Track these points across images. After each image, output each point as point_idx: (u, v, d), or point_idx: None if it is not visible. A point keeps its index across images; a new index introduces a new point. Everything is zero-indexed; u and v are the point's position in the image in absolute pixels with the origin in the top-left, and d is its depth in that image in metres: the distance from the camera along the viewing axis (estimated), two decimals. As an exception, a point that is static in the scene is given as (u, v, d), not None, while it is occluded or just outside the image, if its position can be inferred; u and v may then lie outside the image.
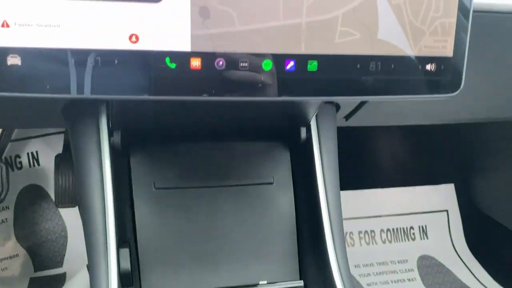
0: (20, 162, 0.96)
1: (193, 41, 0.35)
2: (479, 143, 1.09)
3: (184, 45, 0.35)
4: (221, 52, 0.36)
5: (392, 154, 1.19)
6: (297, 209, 0.57)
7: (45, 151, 0.97)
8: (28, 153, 0.97)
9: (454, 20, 0.39)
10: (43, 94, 0.33)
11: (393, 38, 0.39)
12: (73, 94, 0.34)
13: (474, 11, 0.40)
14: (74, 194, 0.70)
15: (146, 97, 0.36)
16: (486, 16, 0.49)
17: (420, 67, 0.40)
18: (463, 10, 0.39)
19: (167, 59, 0.35)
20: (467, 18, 0.40)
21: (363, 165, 1.14)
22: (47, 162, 0.97)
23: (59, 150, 0.95)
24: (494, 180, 1.08)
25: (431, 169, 1.17)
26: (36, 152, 0.97)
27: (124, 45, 0.34)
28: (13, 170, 0.95)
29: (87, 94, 0.34)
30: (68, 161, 0.68)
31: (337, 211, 0.53)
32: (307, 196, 0.56)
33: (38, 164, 0.98)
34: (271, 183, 0.57)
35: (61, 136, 0.96)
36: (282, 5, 0.36)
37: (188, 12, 0.35)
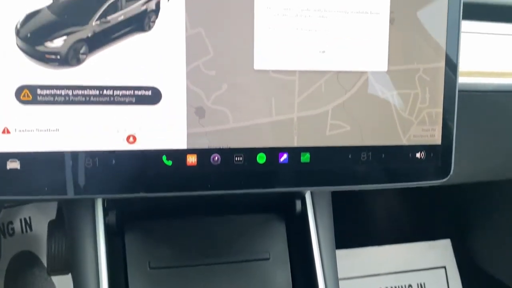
0: (13, 229, 0.95)
1: (189, 139, 0.36)
2: (476, 199, 1.10)
3: (180, 143, 0.36)
4: (216, 148, 0.37)
5: (387, 210, 1.19)
6: (294, 283, 0.57)
7: (38, 217, 0.96)
8: (21, 219, 0.96)
9: (440, 109, 0.41)
10: (41, 196, 0.34)
11: (382, 129, 0.40)
12: (70, 195, 0.34)
13: (461, 91, 0.41)
14: (67, 261, 0.69)
15: (142, 194, 0.36)
16: (474, 95, 0.51)
17: (410, 155, 0.41)
18: (448, 100, 0.41)
19: (164, 157, 0.36)
20: (452, 107, 0.41)
21: (357, 222, 1.14)
22: (40, 228, 0.96)
23: (53, 216, 0.94)
24: (492, 237, 1.08)
25: (427, 225, 1.17)
26: (29, 218, 0.97)
27: (122, 146, 0.35)
28: (5, 237, 0.94)
29: (85, 194, 0.35)
30: (61, 227, 0.68)
31: (335, 284, 0.53)
32: (304, 270, 0.55)
33: (31, 230, 0.96)
34: (267, 259, 0.56)
35: (55, 203, 0.96)
36: (274, 103, 0.38)
37: (184, 112, 0.36)
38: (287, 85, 0.38)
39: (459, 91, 0.41)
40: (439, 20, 0.40)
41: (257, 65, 0.37)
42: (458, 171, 0.43)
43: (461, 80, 0.42)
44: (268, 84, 0.37)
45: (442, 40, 0.40)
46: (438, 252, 1.15)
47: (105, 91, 0.34)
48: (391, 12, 0.39)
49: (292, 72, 0.38)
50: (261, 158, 0.38)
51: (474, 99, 0.52)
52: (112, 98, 0.34)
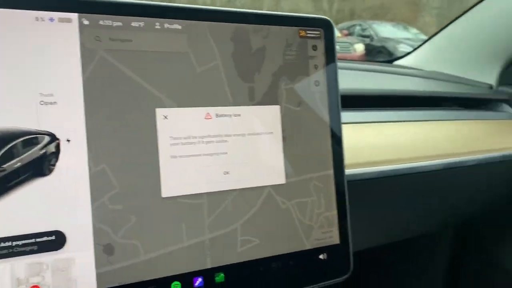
0: None
1: (98, 279, 0.35)
2: None
3: (89, 286, 0.34)
4: (127, 283, 0.36)
5: None
6: None
7: None
8: None
9: (335, 212, 0.45)
10: None
11: (287, 237, 0.43)
12: None
13: (350, 182, 0.46)
14: None
15: None
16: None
17: (314, 258, 0.44)
18: (340, 202, 0.45)
19: (72, 304, 0.34)
20: (344, 208, 0.46)
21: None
22: None
23: None
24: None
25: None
26: None
27: (23, 300, 0.32)
28: None
29: None
30: None
31: None
32: None
33: None
34: None
35: None
36: (185, 228, 0.38)
37: (92, 252, 0.34)
38: (196, 208, 0.39)
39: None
40: (324, 134, 0.45)
41: (165, 193, 0.37)
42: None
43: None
44: (177, 210, 0.38)
45: (328, 151, 0.45)
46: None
47: (2, 244, 0.31)
48: (283, 131, 0.43)
49: (200, 195, 0.39)
50: (175, 286, 0.38)
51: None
52: (10, 250, 0.32)
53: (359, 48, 5.13)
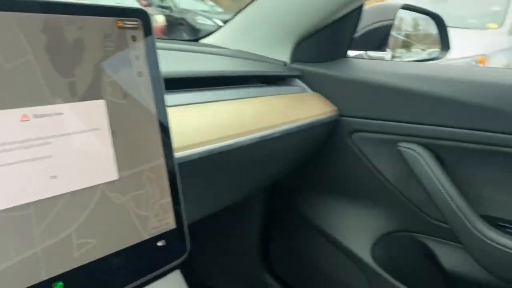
0: None
1: None
2: None
3: None
4: None
5: None
6: None
7: None
8: None
9: (169, 199, 0.47)
10: None
11: (125, 232, 0.43)
12: None
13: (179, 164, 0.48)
14: None
15: None
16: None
17: (153, 246, 0.45)
18: (174, 189, 0.47)
19: None
20: (178, 194, 0.48)
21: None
22: None
23: None
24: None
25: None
26: None
27: None
28: None
29: None
30: None
31: None
32: None
33: None
34: None
35: None
36: (13, 243, 0.35)
37: None
38: (23, 220, 0.35)
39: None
40: (152, 125, 0.45)
41: (-18, 209, 0.33)
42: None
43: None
44: (2, 225, 0.34)
45: (157, 141, 0.46)
46: None
47: None
48: (111, 126, 0.42)
49: (26, 206, 0.36)
50: (8, 308, 0.34)
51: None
52: None
53: (159, 19, 5.08)
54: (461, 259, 0.89)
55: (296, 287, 1.16)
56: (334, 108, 0.95)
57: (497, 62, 4.30)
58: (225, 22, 1.10)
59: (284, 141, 0.82)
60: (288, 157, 0.94)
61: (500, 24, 4.76)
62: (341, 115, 0.95)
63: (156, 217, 0.45)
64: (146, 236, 0.44)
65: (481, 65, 4.01)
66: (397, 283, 0.97)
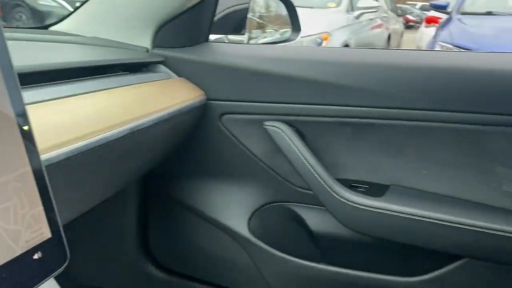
0: None
1: None
2: None
3: None
4: None
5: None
6: None
7: None
8: None
9: (41, 207, 0.43)
10: None
11: (-5, 250, 0.39)
12: None
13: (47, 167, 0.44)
14: None
15: None
16: None
17: (29, 260, 0.42)
18: (45, 196, 0.44)
19: None
20: (50, 200, 0.44)
21: None
22: None
23: None
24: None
25: None
26: None
27: None
28: None
29: None
30: None
31: None
32: None
33: None
34: None
35: None
36: None
37: None
38: None
39: None
40: (12, 130, 0.41)
41: None
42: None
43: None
44: None
45: (20, 146, 0.42)
46: None
47: None
48: (-38, 137, 0.37)
49: None
50: None
51: None
52: None
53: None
54: (325, 219, 1.00)
55: (179, 271, 1.18)
56: (201, 92, 0.96)
57: (338, 38, 4.77)
58: (72, 3, 1.02)
59: (155, 130, 0.81)
60: (160, 146, 0.93)
61: (338, 4, 5.28)
62: (208, 99, 0.97)
63: (29, 229, 0.42)
64: (19, 251, 0.41)
65: (325, 41, 4.40)
66: (272, 250, 1.05)
